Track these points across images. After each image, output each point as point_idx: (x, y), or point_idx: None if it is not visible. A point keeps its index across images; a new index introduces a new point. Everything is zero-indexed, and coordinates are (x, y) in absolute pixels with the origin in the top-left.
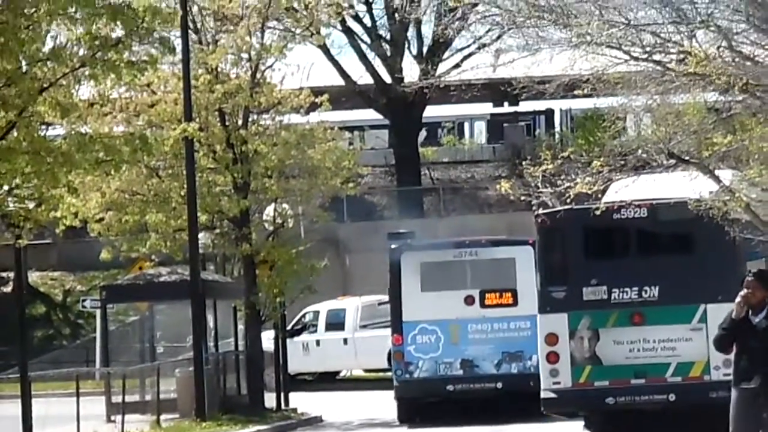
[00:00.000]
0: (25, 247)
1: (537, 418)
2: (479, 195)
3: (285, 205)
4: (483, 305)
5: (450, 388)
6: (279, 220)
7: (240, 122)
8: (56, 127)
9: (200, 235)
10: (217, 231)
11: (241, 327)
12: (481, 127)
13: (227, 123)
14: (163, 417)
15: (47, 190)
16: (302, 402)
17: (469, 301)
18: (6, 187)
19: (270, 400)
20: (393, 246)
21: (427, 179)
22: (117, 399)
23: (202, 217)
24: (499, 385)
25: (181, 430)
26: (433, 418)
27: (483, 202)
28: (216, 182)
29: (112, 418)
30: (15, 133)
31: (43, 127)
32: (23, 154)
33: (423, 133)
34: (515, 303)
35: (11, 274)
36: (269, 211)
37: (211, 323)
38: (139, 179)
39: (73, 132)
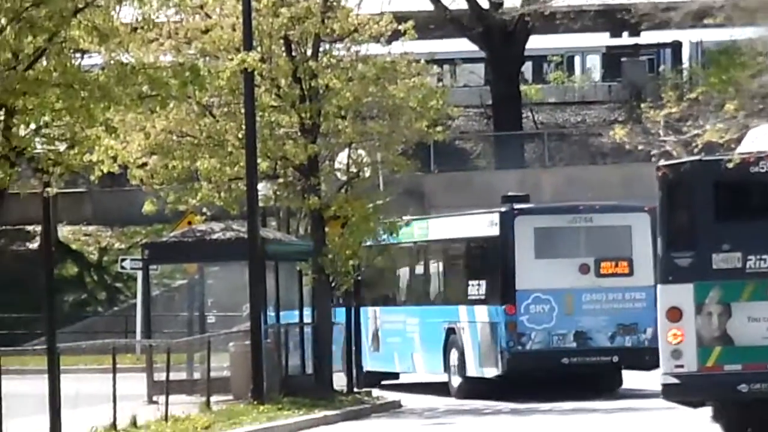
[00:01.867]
0: (55, 196)
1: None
2: (590, 142)
3: (361, 151)
4: (598, 274)
5: (565, 361)
6: (353, 169)
7: (309, 52)
8: (92, 55)
9: (260, 186)
10: (281, 181)
11: (307, 294)
12: (594, 61)
13: (294, 53)
14: (213, 398)
15: (81, 130)
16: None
17: (584, 269)
18: (33, 126)
19: (340, 381)
20: (505, 210)
21: (530, 123)
22: (160, 377)
23: (263, 164)
24: (615, 358)
25: (234, 414)
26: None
27: (595, 150)
28: (280, 123)
29: (155, 398)
30: (44, 62)
31: (78, 55)
32: (54, 86)
33: (525, 69)
34: (631, 273)
35: (38, 228)
36: (342, 158)
37: (271, 289)
38: (189, 118)
39: (112, 61)
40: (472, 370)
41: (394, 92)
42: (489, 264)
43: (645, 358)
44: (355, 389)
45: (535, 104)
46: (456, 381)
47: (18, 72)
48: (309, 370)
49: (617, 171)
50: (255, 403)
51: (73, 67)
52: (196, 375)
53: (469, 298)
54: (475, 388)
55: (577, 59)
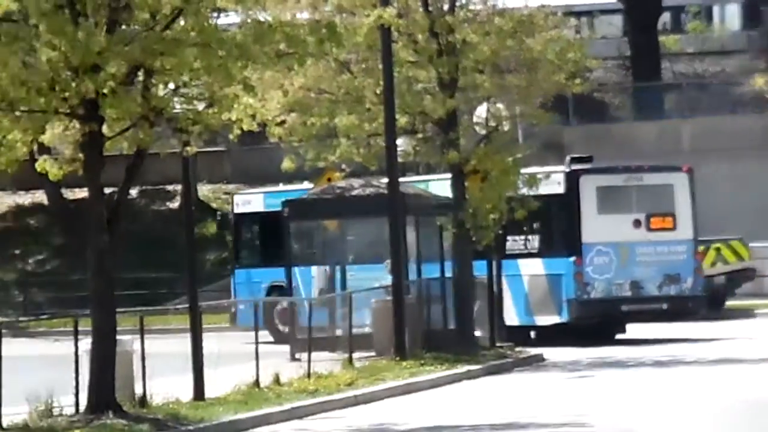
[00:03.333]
0: (195, 155)
1: None
2: (730, 92)
3: (499, 105)
4: (648, 229)
5: (624, 308)
6: (492, 123)
7: (446, 7)
8: (230, 14)
9: (399, 141)
10: (419, 136)
11: (448, 249)
12: (734, 10)
13: (430, 8)
14: (356, 355)
15: (219, 89)
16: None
17: (636, 224)
18: (172, 86)
19: (482, 335)
20: (571, 169)
21: (669, 73)
22: (302, 334)
23: (401, 120)
24: (664, 306)
25: (377, 370)
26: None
27: (735, 100)
28: (417, 78)
29: (297, 356)
30: (182, 22)
31: (215, 14)
32: (191, 46)
33: (664, 19)
34: (674, 227)
35: (178, 188)
36: (481, 111)
37: (412, 245)
38: (327, 75)
39: (249, 20)
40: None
41: (531, 45)
42: (555, 219)
43: (688, 305)
44: (497, 343)
45: (673, 55)
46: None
47: (156, 32)
48: (451, 324)
49: (758, 120)
50: (397, 358)
51: (210, 26)
52: (338, 332)
53: (531, 251)
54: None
55: (716, 8)
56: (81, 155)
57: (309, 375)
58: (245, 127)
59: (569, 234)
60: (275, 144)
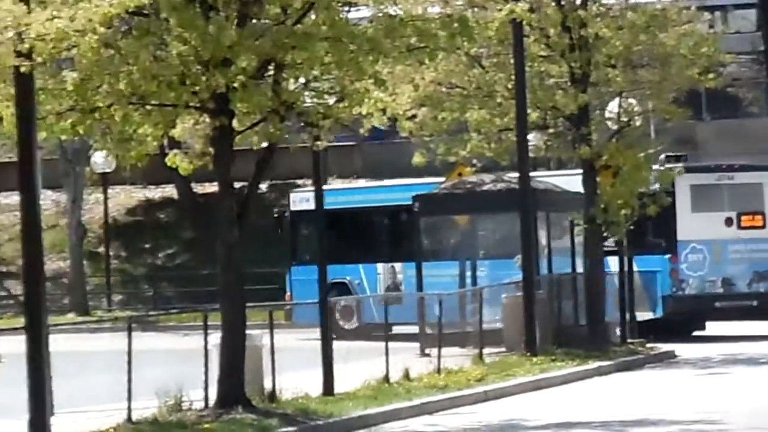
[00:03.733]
0: (325, 150)
1: None
2: None
3: (632, 100)
4: (739, 227)
5: (718, 305)
6: (624, 118)
7: (578, 1)
8: (361, 8)
9: (530, 136)
10: (551, 131)
11: (579, 245)
12: None
13: (563, 2)
14: (486, 350)
15: (350, 83)
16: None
17: (728, 222)
18: (302, 80)
19: (613, 331)
20: (666, 167)
21: None
22: (432, 329)
23: (533, 115)
24: (754, 302)
25: (507, 365)
26: None
27: None
28: (549, 73)
29: (427, 351)
30: (313, 16)
31: (346, 8)
32: (322, 40)
33: None
34: (764, 225)
35: (308, 182)
36: (613, 106)
37: (543, 240)
38: (458, 69)
39: (380, 14)
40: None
41: (664, 40)
42: (650, 217)
43: None
44: (629, 339)
45: None
46: None
47: (287, 26)
48: (582, 320)
49: None
50: (528, 354)
51: (341, 20)
52: (469, 327)
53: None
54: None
55: None
56: (211, 149)
57: (439, 370)
58: (376, 122)
59: (665, 232)
60: (406, 138)
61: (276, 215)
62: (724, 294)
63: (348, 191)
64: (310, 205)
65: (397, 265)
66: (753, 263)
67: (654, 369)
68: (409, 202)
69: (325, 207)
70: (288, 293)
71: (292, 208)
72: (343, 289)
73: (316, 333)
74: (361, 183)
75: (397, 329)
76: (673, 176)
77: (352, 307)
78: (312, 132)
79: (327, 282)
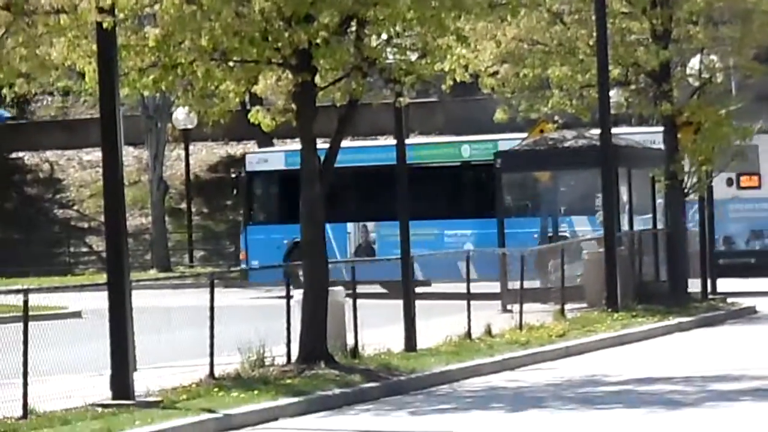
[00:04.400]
0: (407, 106)
1: None
2: None
3: (713, 57)
4: (738, 187)
5: (721, 262)
6: (706, 74)
7: None
8: None
9: (612, 93)
10: (632, 87)
11: (660, 201)
12: None
13: None
14: (567, 306)
15: (432, 39)
16: (732, 288)
17: (728, 182)
18: (384, 36)
19: (694, 286)
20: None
21: None
22: (514, 285)
23: (614, 71)
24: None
25: (589, 321)
26: None
27: None
28: (631, 29)
29: (509, 307)
30: None
31: None
32: None
33: None
34: (760, 186)
35: (390, 139)
36: (694, 63)
37: (624, 196)
38: (540, 26)
39: None
40: None
41: None
42: None
43: None
44: (709, 295)
45: None
46: None
47: None
48: (663, 276)
49: None
50: (609, 310)
51: None
52: (550, 283)
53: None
54: None
55: None
56: (293, 106)
57: (521, 326)
58: (458, 78)
59: None
60: (488, 94)
61: (233, 176)
62: (726, 252)
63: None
64: (267, 166)
65: (370, 224)
66: (750, 222)
67: (735, 324)
68: (379, 163)
69: (289, 167)
70: (243, 253)
71: (248, 169)
72: None
73: (271, 292)
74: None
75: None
76: (752, 132)
77: None
78: (394, 88)
79: (289, 241)
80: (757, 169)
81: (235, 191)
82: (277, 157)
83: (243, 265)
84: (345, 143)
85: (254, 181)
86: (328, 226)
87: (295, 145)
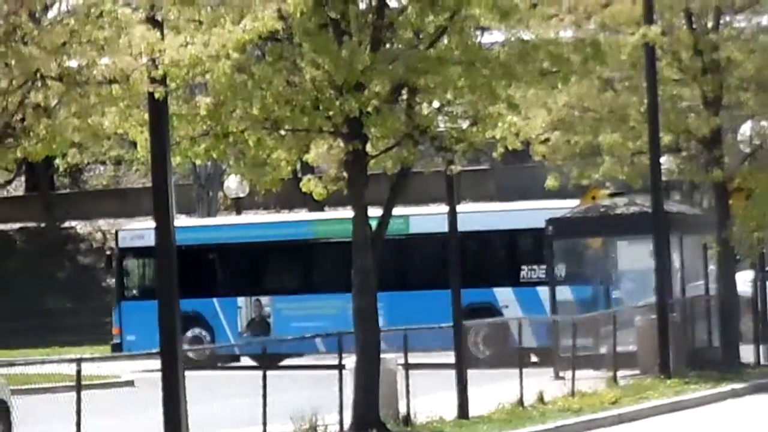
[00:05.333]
0: (459, 174)
1: None
2: None
3: (764, 123)
4: None
5: None
6: (757, 141)
7: (710, 24)
8: (493, 32)
9: (663, 159)
10: (684, 154)
11: (712, 267)
12: None
13: (695, 26)
14: (620, 373)
15: (484, 107)
16: None
17: None
18: (436, 104)
19: (747, 353)
20: None
21: None
22: (566, 353)
23: (666, 138)
24: None
25: (641, 388)
26: None
27: None
28: (681, 96)
29: (561, 374)
30: (446, 41)
31: (478, 33)
32: (455, 64)
33: None
34: None
35: (441, 207)
36: (745, 129)
37: (676, 263)
38: (590, 93)
39: (513, 39)
40: None
41: None
42: None
43: None
44: (762, 361)
45: None
46: None
47: (420, 51)
48: (716, 342)
49: None
50: (662, 377)
51: (474, 44)
52: (602, 350)
53: None
54: None
55: None
56: (345, 174)
57: (573, 393)
58: (509, 146)
59: None
60: (539, 162)
61: (107, 253)
62: None
63: (206, 228)
64: (144, 242)
65: (264, 299)
66: None
67: None
68: (274, 239)
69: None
70: (116, 328)
71: (121, 245)
72: (193, 321)
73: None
74: (220, 220)
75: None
76: None
77: None
78: (445, 156)
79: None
80: None
81: (110, 267)
82: (154, 233)
83: (116, 341)
84: (236, 219)
85: (127, 257)
86: (215, 300)
87: (186, 221)
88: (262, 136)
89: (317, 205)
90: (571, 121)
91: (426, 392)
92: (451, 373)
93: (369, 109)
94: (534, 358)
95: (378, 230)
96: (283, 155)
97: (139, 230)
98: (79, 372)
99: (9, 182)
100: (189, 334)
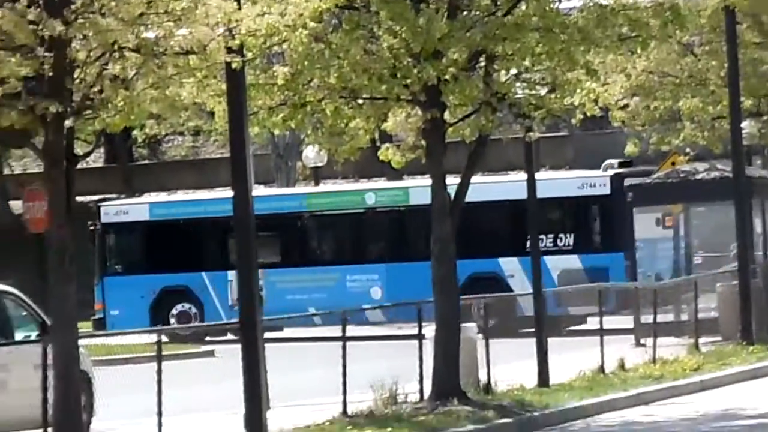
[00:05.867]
0: (537, 140)
1: None
2: None
3: None
4: None
5: None
6: None
7: None
8: None
9: (743, 124)
10: (765, 118)
11: None
12: None
13: None
14: (701, 340)
15: (562, 74)
16: None
17: None
18: (514, 71)
19: None
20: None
21: None
22: (647, 319)
23: (746, 102)
24: None
25: (723, 355)
26: None
27: None
28: (762, 60)
29: (642, 341)
30: (523, 7)
31: None
32: (533, 31)
33: None
34: None
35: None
36: None
37: (758, 228)
38: (670, 58)
39: (591, 4)
40: None
41: None
42: None
43: None
44: None
45: None
46: None
47: (497, 18)
48: None
49: None
50: (744, 343)
51: (552, 10)
52: (684, 317)
53: None
54: None
55: None
56: (423, 142)
57: (654, 360)
58: (588, 112)
59: None
60: (618, 128)
61: (90, 228)
62: None
63: (172, 204)
64: (127, 218)
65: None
66: None
67: None
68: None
69: (154, 218)
70: (99, 303)
71: (103, 220)
72: (179, 295)
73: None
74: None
75: None
76: None
77: None
78: (524, 123)
79: (157, 290)
80: None
81: (93, 243)
82: (139, 208)
83: (99, 315)
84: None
85: (111, 232)
86: (204, 274)
87: (173, 196)
88: (339, 105)
89: (395, 174)
90: (650, 86)
91: (506, 361)
92: (531, 342)
93: (446, 76)
94: None
95: (457, 198)
96: (361, 124)
97: (123, 205)
98: (159, 342)
99: (88, 154)
100: (174, 311)
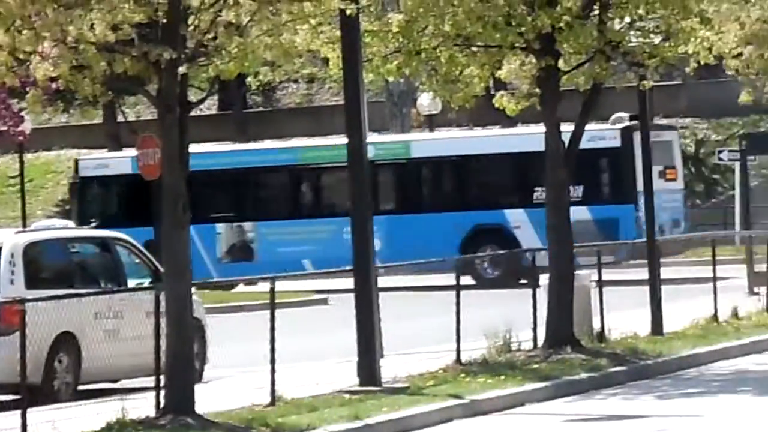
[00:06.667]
0: (651, 89)
1: None
2: None
3: None
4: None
5: None
6: None
7: None
8: None
9: None
10: None
11: None
12: None
13: None
14: None
15: (676, 22)
16: None
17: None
18: (627, 20)
19: None
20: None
21: None
22: (760, 267)
23: None
24: None
25: None
26: None
27: None
28: None
29: (755, 290)
30: None
31: None
32: None
33: None
34: None
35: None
36: None
37: None
38: None
39: None
40: None
41: None
42: None
43: None
44: None
45: None
46: None
47: None
48: None
49: None
50: None
51: None
52: None
53: None
54: None
55: None
56: (537, 90)
57: (767, 309)
58: (702, 61)
59: None
60: (732, 77)
61: (70, 182)
62: None
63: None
64: (108, 171)
65: (247, 224)
66: None
67: None
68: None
69: (136, 172)
70: None
71: (82, 174)
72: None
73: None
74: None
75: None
76: None
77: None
78: (638, 71)
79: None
80: None
81: (72, 197)
82: (120, 162)
83: None
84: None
85: (89, 186)
86: (192, 227)
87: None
88: (454, 52)
89: (510, 121)
90: (764, 35)
91: (619, 309)
92: (645, 290)
93: (561, 24)
94: None
95: (571, 146)
96: (476, 72)
97: (102, 159)
98: (272, 290)
99: (202, 101)
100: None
